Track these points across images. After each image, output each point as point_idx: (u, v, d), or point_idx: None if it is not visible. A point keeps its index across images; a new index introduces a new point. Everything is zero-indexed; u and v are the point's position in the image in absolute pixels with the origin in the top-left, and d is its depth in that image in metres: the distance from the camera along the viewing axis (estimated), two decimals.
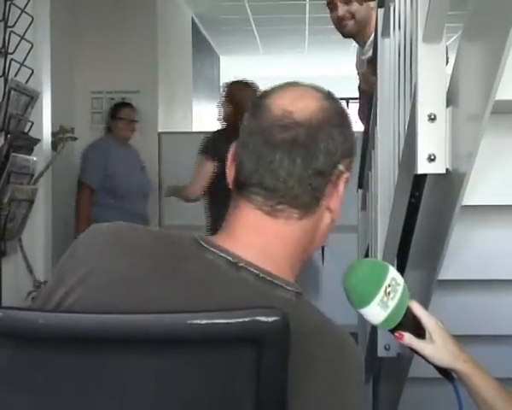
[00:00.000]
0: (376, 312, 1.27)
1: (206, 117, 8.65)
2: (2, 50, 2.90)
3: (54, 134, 3.60)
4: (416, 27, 1.74)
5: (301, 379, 0.97)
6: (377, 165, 2.54)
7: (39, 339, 0.95)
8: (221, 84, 10.09)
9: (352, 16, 3.16)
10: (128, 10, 5.86)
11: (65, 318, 0.98)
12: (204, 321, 0.93)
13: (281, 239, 1.07)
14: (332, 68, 9.88)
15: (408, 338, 1.29)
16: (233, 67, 10.80)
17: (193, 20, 7.88)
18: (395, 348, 2.40)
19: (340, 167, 1.11)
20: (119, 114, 4.73)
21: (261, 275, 1.04)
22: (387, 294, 1.27)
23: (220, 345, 0.95)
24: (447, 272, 1.82)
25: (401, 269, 2.33)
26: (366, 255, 3.06)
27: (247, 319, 0.91)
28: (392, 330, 1.30)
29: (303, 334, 0.98)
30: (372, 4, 3.14)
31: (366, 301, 1.27)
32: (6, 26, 2.95)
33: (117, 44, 5.87)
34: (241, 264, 1.04)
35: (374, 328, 2.50)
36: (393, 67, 2.28)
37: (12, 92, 2.94)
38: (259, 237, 1.06)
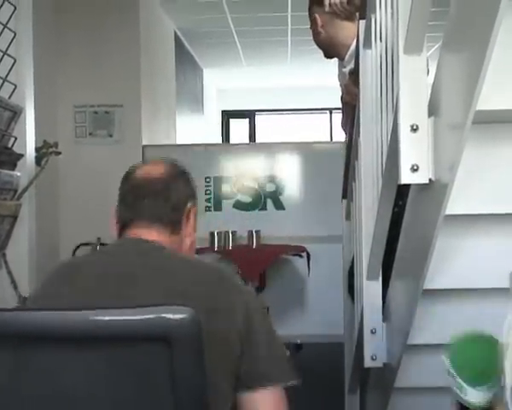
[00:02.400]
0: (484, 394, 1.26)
1: (190, 130, 8.66)
2: None
3: (37, 149, 3.59)
4: (397, 39, 1.76)
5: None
6: (361, 175, 2.56)
7: None
8: (204, 96, 10.12)
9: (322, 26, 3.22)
10: (111, 24, 5.87)
11: None
12: (107, 318, 0.93)
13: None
14: (315, 79, 9.91)
15: None
16: (216, 80, 10.81)
17: (175, 33, 7.89)
18: (381, 358, 2.41)
19: (189, 205, 1.69)
20: None
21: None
22: None
23: (130, 343, 0.94)
24: (432, 281, 1.83)
25: (386, 279, 2.35)
26: (351, 266, 3.06)
27: (154, 316, 0.92)
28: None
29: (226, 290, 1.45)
30: (346, 24, 3.18)
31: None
32: None
33: (100, 58, 5.88)
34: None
35: (360, 338, 2.51)
36: (375, 78, 2.29)
37: None
38: None
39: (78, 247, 5.61)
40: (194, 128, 9.07)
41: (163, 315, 0.94)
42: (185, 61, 8.59)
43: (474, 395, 1.26)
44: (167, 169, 1.70)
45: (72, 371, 0.98)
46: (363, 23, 2.53)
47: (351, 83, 3.05)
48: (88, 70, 5.88)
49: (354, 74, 2.79)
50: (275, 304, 5.35)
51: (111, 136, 5.80)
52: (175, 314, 0.94)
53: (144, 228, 1.62)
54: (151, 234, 1.61)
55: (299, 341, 5.58)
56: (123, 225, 1.65)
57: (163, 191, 1.66)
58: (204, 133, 9.72)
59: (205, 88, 10.16)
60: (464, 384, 1.25)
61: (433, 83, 1.72)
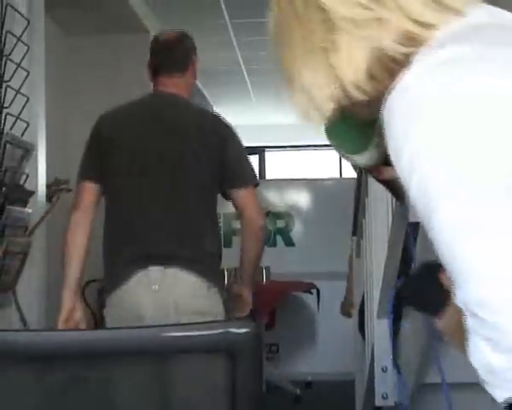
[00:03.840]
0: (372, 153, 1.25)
1: None
2: None
3: (48, 186, 3.62)
4: None
5: None
6: (371, 212, 2.56)
7: None
8: None
9: None
10: (122, 62, 5.94)
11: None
12: (175, 333, 0.96)
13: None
14: None
15: (386, 171, 1.23)
16: (226, 117, 10.89)
17: None
18: (393, 397, 2.39)
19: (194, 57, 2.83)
20: None
21: None
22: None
23: (197, 356, 0.97)
24: None
25: (398, 318, 2.33)
26: (362, 303, 3.06)
27: (220, 331, 0.95)
28: (371, 169, 1.29)
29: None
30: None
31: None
32: (2, 81, 2.98)
33: (111, 95, 5.93)
34: None
35: (371, 376, 2.48)
36: None
37: (7, 146, 2.96)
38: None
39: (86, 284, 5.61)
40: None
41: (229, 330, 0.98)
42: (195, 98, 8.65)
43: (363, 159, 1.27)
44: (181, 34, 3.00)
45: (136, 385, 1.00)
46: None
47: None
48: (99, 108, 5.93)
49: None
50: (285, 341, 5.33)
51: None
52: (239, 328, 0.98)
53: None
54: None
55: (309, 378, 5.53)
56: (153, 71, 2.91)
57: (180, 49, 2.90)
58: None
59: None
60: (349, 155, 1.25)
61: None
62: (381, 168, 1.30)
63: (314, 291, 5.40)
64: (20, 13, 3.14)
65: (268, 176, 11.32)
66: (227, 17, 5.89)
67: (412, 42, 0.94)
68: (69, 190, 3.78)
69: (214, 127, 2.77)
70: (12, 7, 3.06)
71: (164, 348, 0.97)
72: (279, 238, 5.96)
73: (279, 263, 5.71)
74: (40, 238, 3.44)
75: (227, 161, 2.65)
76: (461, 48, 0.89)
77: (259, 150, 11.62)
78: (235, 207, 2.69)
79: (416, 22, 0.94)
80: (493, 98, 0.84)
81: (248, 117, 11.03)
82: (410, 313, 2.14)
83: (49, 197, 3.60)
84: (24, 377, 0.98)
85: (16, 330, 1.19)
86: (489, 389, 0.86)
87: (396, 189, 1.28)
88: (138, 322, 2.33)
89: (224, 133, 2.77)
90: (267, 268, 5.55)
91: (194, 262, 2.45)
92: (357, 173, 3.16)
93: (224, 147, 2.68)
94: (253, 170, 2.78)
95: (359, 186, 3.05)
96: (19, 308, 3.22)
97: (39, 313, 3.46)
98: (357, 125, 1.17)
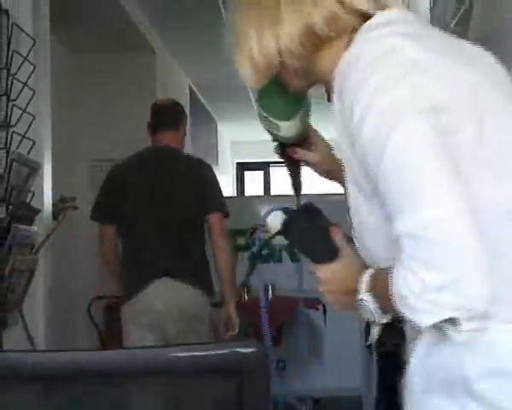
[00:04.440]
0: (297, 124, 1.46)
1: None
2: (5, 123, 2.94)
3: (54, 204, 3.63)
4: None
5: None
6: None
7: None
8: (219, 149, 10.18)
9: None
10: (127, 79, 5.98)
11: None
12: (184, 354, 0.96)
13: None
14: (330, 131, 9.97)
15: (300, 151, 1.50)
16: (230, 132, 10.92)
17: (190, 87, 8.00)
18: None
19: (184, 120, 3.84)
20: None
21: None
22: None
23: (202, 377, 0.98)
24: None
25: None
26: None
27: (226, 351, 0.96)
28: (285, 147, 1.50)
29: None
30: None
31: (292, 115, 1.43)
32: (8, 100, 3.00)
33: (116, 113, 5.97)
34: None
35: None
36: None
37: (13, 164, 2.97)
38: None
39: (92, 301, 5.61)
40: None
41: (236, 349, 0.99)
42: (200, 115, 8.69)
43: (288, 129, 1.43)
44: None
45: (144, 405, 1.01)
46: None
47: None
48: (104, 125, 5.96)
49: None
50: (291, 357, 5.30)
51: None
52: (246, 348, 0.99)
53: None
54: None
55: (316, 394, 5.51)
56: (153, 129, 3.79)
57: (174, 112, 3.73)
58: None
59: (219, 141, 10.26)
60: (277, 121, 1.41)
61: None
62: (295, 148, 1.51)
63: (321, 307, 5.39)
64: (25, 32, 3.15)
65: (273, 191, 11.33)
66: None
67: (336, 25, 1.16)
68: (75, 208, 3.79)
69: (198, 171, 3.67)
70: (18, 26, 3.08)
71: (171, 368, 0.98)
72: (285, 254, 5.95)
73: (285, 279, 5.68)
74: (46, 256, 3.45)
75: (206, 195, 3.57)
76: (392, 28, 1.11)
77: (264, 166, 11.64)
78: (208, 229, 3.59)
79: (344, 7, 1.15)
80: (418, 60, 1.04)
81: (253, 133, 11.06)
82: None
83: (54, 215, 3.61)
84: (31, 398, 0.99)
85: (23, 351, 1.19)
86: (410, 316, 0.98)
87: (298, 176, 1.55)
88: (153, 313, 3.38)
89: (206, 175, 3.70)
90: (273, 285, 5.54)
91: (188, 274, 3.39)
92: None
93: (203, 185, 3.60)
94: (222, 202, 3.70)
95: None
96: (25, 327, 3.21)
97: (46, 330, 3.46)
98: (290, 94, 1.35)
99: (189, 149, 7.79)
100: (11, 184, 2.97)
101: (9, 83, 3.01)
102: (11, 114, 3.01)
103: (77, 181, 5.75)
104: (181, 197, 3.48)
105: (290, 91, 1.37)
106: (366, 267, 1.19)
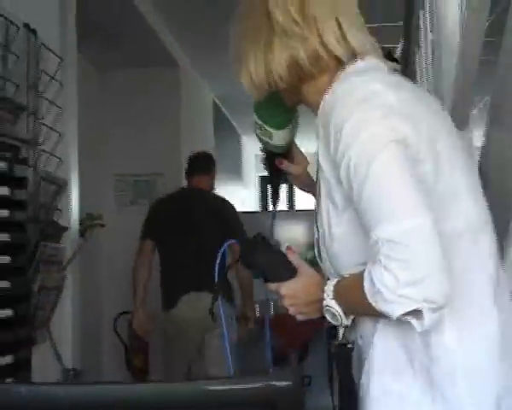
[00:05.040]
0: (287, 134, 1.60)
1: (229, 196, 8.71)
2: (32, 142, 2.96)
3: (82, 221, 3.64)
4: None
5: None
6: None
7: None
8: (243, 162, 10.20)
9: None
10: (152, 95, 6.00)
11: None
12: (219, 387, 0.96)
13: None
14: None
15: (285, 162, 1.68)
16: (254, 146, 10.93)
17: (214, 101, 8.02)
18: None
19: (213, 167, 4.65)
20: None
21: None
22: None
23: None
24: None
25: None
26: None
27: (261, 384, 0.95)
28: (273, 158, 1.65)
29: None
30: None
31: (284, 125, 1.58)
32: (36, 119, 3.02)
33: (141, 128, 5.99)
34: None
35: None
36: None
37: (42, 182, 2.99)
38: None
39: (118, 316, 5.62)
40: (233, 195, 9.13)
41: (271, 383, 0.99)
42: (224, 129, 8.71)
43: (279, 138, 1.58)
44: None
45: None
46: None
47: None
48: (129, 140, 5.99)
49: None
50: (317, 373, 5.26)
51: None
52: (281, 381, 0.98)
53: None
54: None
55: None
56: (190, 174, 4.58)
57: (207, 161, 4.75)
58: (242, 199, 9.78)
59: (243, 154, 10.27)
60: (271, 129, 1.56)
61: (480, 159, 1.70)
62: (282, 159, 1.68)
63: None
64: (53, 52, 3.18)
65: (297, 206, 11.30)
66: None
67: (318, 64, 1.36)
68: (102, 226, 3.81)
69: (223, 208, 4.56)
70: (45, 46, 3.10)
71: (206, 402, 0.97)
72: None
73: None
74: (73, 273, 3.46)
75: (229, 227, 4.27)
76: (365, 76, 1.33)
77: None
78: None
79: (327, 51, 1.36)
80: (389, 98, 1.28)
81: None
82: None
83: (81, 232, 3.63)
84: None
85: (55, 384, 1.19)
86: (383, 307, 1.19)
87: (278, 189, 1.78)
88: (185, 324, 4.19)
89: (229, 211, 4.56)
90: (275, 301, 5.53)
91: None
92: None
93: (227, 219, 4.39)
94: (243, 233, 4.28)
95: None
96: (53, 344, 3.23)
97: (73, 347, 3.47)
98: (284, 106, 1.52)
99: None
100: (39, 202, 2.99)
101: (37, 102, 3.03)
102: (39, 133, 3.04)
103: (101, 196, 5.78)
104: (207, 229, 4.29)
105: (285, 104, 1.56)
106: (324, 279, 1.42)
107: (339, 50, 1.37)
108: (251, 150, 11.02)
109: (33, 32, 3.02)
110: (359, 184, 1.23)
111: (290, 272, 1.43)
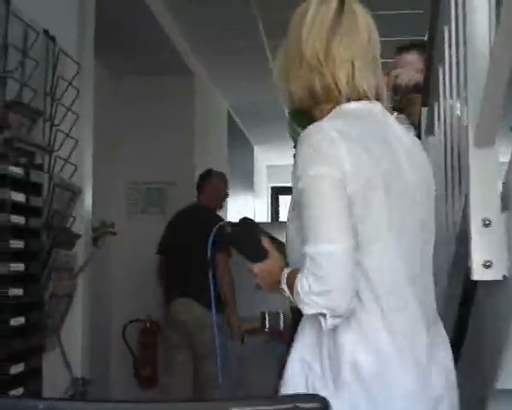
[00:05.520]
0: None
1: (241, 206, 8.69)
2: (48, 148, 2.94)
3: (94, 229, 3.62)
4: (467, 130, 1.73)
5: None
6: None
7: None
8: (254, 172, 10.18)
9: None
10: (166, 101, 5.99)
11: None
12: (245, 408, 0.94)
13: None
14: None
15: None
16: (266, 156, 10.90)
17: (228, 111, 8.01)
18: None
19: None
20: None
21: None
22: None
23: None
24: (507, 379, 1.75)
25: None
26: None
27: (288, 406, 0.94)
28: None
29: None
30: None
31: None
32: (52, 125, 3.01)
33: (155, 136, 5.97)
34: None
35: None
36: (439, 166, 2.26)
37: (56, 189, 2.97)
38: None
39: (126, 325, 5.60)
40: (244, 205, 9.11)
41: (297, 404, 0.97)
42: (237, 139, 8.70)
43: None
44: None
45: None
46: (425, 110, 2.52)
47: None
48: (142, 148, 5.97)
49: None
50: None
51: (163, 213, 5.83)
52: (308, 403, 1.00)
53: None
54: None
55: None
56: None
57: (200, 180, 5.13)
58: (254, 209, 9.75)
59: (255, 165, 10.24)
60: (299, 130, 1.72)
61: (506, 177, 1.67)
62: None
63: None
64: (71, 58, 3.17)
65: (281, 218, 11.27)
66: (270, 60, 5.92)
67: (329, 95, 1.63)
68: (114, 234, 3.78)
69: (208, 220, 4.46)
70: (64, 52, 3.09)
71: None
72: None
73: None
74: (84, 281, 3.44)
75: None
76: (343, 125, 1.58)
77: None
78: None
79: (337, 87, 1.63)
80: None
81: (289, 157, 11.01)
82: (465, 372, 2.06)
83: (94, 240, 3.60)
84: None
85: (69, 400, 1.16)
86: (299, 305, 1.51)
87: None
88: (179, 324, 4.65)
89: (209, 217, 4.53)
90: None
91: (196, 295, 4.45)
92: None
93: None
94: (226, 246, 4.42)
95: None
96: (63, 352, 3.20)
97: (83, 356, 3.44)
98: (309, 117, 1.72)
99: (226, 173, 7.80)
100: (53, 208, 2.97)
101: (54, 108, 3.02)
102: (55, 139, 3.02)
103: (112, 203, 5.76)
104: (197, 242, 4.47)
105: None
106: (286, 266, 1.70)
107: (345, 89, 1.63)
108: (263, 161, 11.00)
109: (52, 38, 3.01)
110: (301, 208, 1.54)
111: (263, 255, 1.74)
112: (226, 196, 5.22)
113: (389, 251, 1.54)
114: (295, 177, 1.58)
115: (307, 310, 1.50)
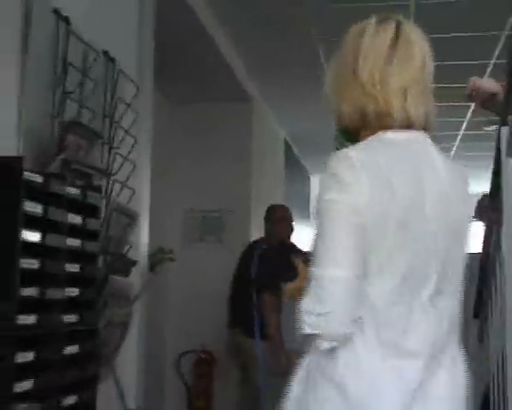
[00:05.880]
0: None
1: (298, 235, 8.54)
2: (106, 171, 2.87)
3: (151, 255, 3.53)
4: None
5: None
6: (503, 296, 2.32)
7: None
8: (310, 202, 10.04)
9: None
10: (223, 128, 5.92)
11: None
12: None
13: None
14: None
15: None
16: None
17: (285, 140, 7.92)
18: None
19: None
20: None
21: None
22: None
23: None
24: None
25: None
26: (487, 393, 2.77)
27: None
28: None
29: None
30: None
31: None
32: (110, 147, 2.93)
33: (211, 164, 5.90)
34: None
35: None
36: None
37: (113, 213, 2.89)
38: None
39: (180, 356, 5.51)
40: (301, 234, 8.96)
41: None
42: (294, 168, 8.59)
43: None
44: None
45: None
46: (505, 129, 2.36)
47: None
48: (198, 174, 5.91)
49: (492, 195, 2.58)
50: None
51: (220, 241, 5.73)
52: None
53: None
54: None
55: None
56: None
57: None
58: (309, 239, 9.58)
59: (311, 195, 10.12)
60: (346, 143, 1.72)
61: None
62: None
63: None
64: (131, 79, 3.11)
65: None
66: None
67: (379, 119, 1.63)
68: (172, 260, 3.69)
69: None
70: (123, 73, 3.03)
71: None
72: None
73: None
74: (140, 309, 3.34)
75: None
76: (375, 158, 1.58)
77: None
78: None
79: (388, 113, 1.62)
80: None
81: None
82: None
83: (151, 267, 3.51)
84: None
85: None
86: (302, 326, 1.51)
87: None
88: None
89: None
90: None
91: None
92: (483, 252, 2.89)
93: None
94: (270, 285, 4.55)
95: (485, 265, 2.80)
96: (117, 382, 3.10)
97: (138, 387, 3.33)
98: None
99: (282, 201, 7.70)
100: (110, 234, 2.88)
101: (112, 130, 2.95)
102: (113, 162, 2.95)
103: (169, 231, 5.69)
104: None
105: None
106: None
107: (397, 116, 1.62)
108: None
109: (112, 59, 2.95)
110: (315, 229, 1.58)
111: (294, 275, 1.84)
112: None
113: (395, 284, 1.55)
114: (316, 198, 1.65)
115: (306, 329, 1.53)
